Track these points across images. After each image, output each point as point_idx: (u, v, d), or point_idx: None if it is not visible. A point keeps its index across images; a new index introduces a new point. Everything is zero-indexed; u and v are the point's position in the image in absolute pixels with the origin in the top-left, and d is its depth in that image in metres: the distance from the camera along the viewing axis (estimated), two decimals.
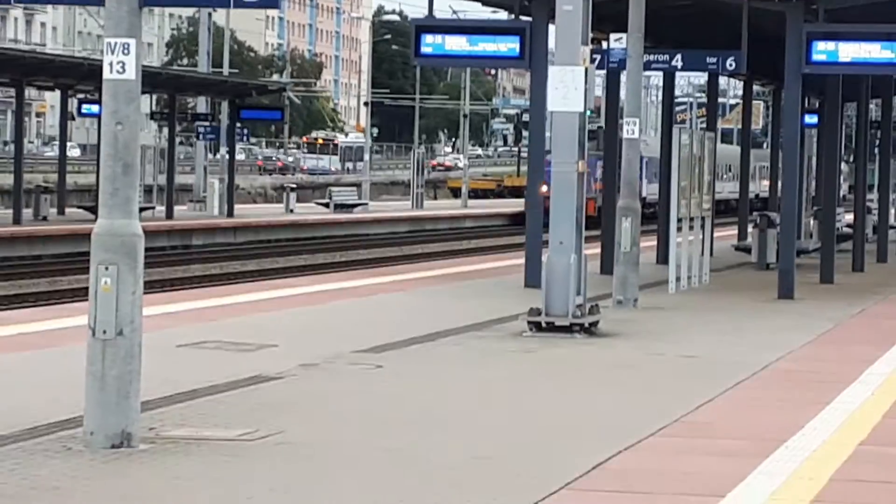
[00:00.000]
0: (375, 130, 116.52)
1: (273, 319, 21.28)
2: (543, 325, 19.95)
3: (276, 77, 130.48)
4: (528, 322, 20.11)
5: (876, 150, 47.68)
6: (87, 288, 11.30)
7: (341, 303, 24.47)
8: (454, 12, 74.64)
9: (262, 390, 14.38)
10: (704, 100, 53.59)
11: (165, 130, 59.87)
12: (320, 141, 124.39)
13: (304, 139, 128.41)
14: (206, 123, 63.22)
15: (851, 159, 54.56)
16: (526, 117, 58.21)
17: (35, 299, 30.69)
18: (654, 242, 34.40)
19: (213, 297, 25.48)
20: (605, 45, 30.38)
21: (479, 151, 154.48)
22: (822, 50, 26.68)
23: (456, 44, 27.55)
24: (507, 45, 27.39)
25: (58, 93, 53.92)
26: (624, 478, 10.75)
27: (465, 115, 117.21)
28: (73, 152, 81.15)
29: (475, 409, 13.85)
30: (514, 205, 73.84)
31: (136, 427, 11.18)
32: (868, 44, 26.63)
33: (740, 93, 55.90)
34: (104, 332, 11.01)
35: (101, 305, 11.04)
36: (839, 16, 27.75)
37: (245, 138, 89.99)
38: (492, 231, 64.36)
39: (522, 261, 28.43)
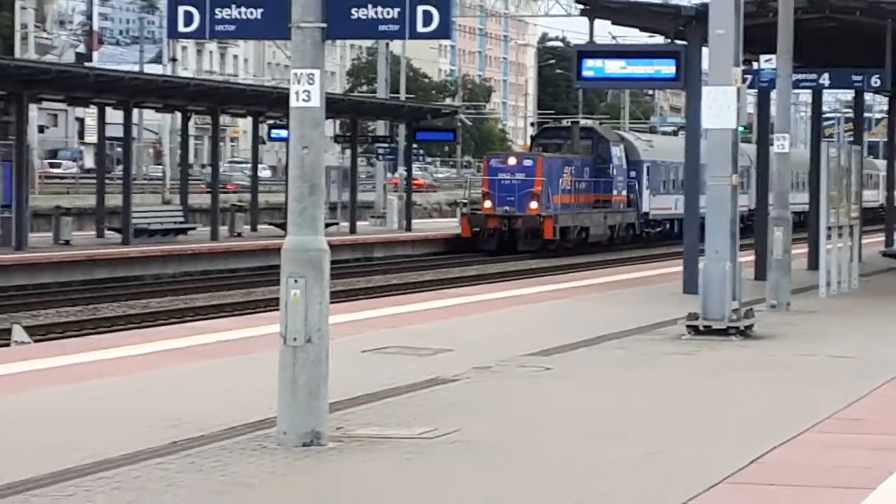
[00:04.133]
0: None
1: (449, 326, 21.37)
2: (701, 328, 19.84)
3: (448, 101, 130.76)
4: (687, 326, 20.02)
5: None
6: (278, 299, 11.43)
7: (511, 309, 24.49)
8: (613, 38, 73.43)
9: (440, 392, 14.44)
10: (851, 115, 52.85)
11: (348, 152, 60.18)
12: None
13: None
14: (385, 145, 63.61)
15: None
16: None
17: (231, 309, 31.02)
18: (805, 249, 34.00)
19: (393, 305, 25.61)
20: (755, 65, 30.17)
21: None
22: None
23: (615, 67, 27.47)
24: (664, 68, 27.25)
25: (250, 119, 54.51)
26: (779, 471, 10.66)
27: None
28: (265, 173, 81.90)
29: (640, 408, 13.80)
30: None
31: (324, 427, 11.28)
32: None
33: (885, 107, 55.11)
34: (294, 339, 11.13)
35: (291, 315, 11.15)
36: None
37: (421, 158, 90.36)
38: (649, 241, 62.08)
39: (679, 269, 28.30)
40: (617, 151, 56.93)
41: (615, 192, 56.56)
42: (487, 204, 52.57)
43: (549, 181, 51.38)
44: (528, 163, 52.38)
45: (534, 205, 51.11)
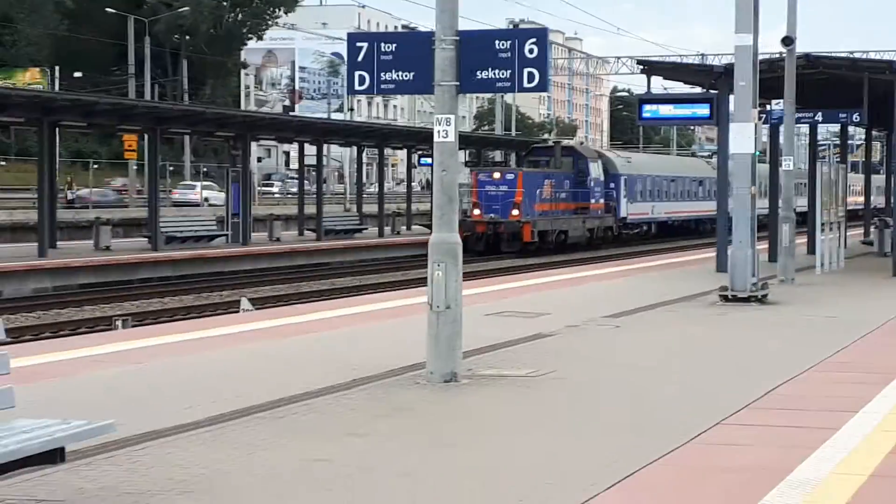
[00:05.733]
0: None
1: (547, 297, 21.33)
2: (729, 297, 19.72)
3: (545, 135, 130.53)
4: (720, 295, 19.90)
5: None
6: (425, 277, 11.49)
7: (592, 285, 24.41)
8: (665, 89, 71.75)
9: (542, 343, 14.43)
10: (838, 142, 51.90)
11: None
12: None
13: None
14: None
15: None
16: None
17: (393, 286, 31.16)
18: (805, 239, 33.50)
19: (508, 282, 25.64)
20: (768, 107, 29.79)
21: None
22: None
23: (666, 110, 27.29)
24: (701, 110, 27.08)
25: (405, 151, 54.68)
26: (787, 400, 10.55)
27: None
28: (416, 188, 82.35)
29: (685, 354, 13.71)
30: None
31: (459, 368, 11.33)
32: None
33: (863, 136, 54.06)
34: (438, 306, 11.18)
35: (435, 289, 11.20)
36: None
37: None
38: (628, 241, 54.25)
39: (708, 255, 28.09)
40: (595, 166, 49.99)
41: (593, 201, 49.18)
42: (476, 212, 44.63)
43: (529, 192, 43.97)
44: (510, 176, 44.59)
45: (515, 212, 43.61)
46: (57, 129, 38.07)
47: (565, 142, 58.71)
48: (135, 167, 62.43)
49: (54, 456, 6.52)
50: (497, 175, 44.68)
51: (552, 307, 18.76)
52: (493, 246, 43.93)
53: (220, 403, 10.01)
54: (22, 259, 31.23)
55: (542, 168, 47.82)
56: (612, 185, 50.97)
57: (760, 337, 15.37)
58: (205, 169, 74.73)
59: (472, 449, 8.40)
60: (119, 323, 21.21)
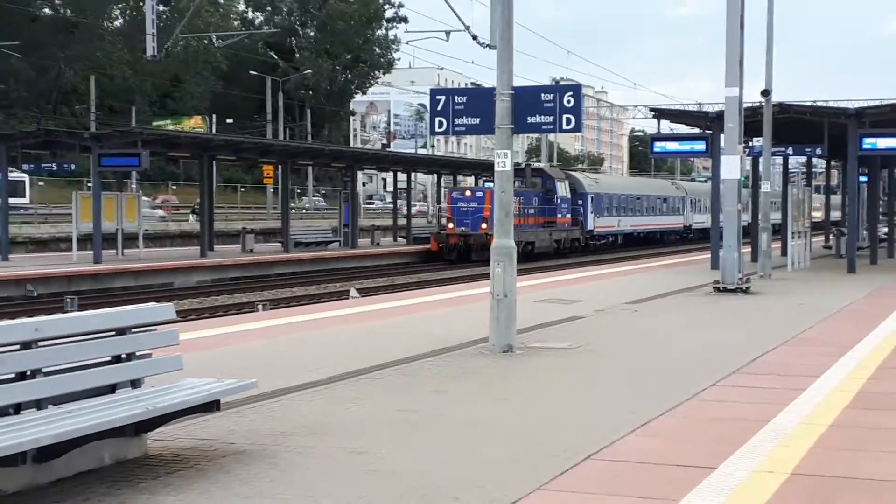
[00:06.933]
0: None
1: (579, 288, 21.18)
2: (721, 288, 19.48)
3: (579, 166, 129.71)
4: (713, 287, 19.67)
5: None
6: (489, 273, 11.46)
7: (615, 279, 24.21)
8: (671, 129, 70.63)
9: (576, 323, 14.34)
10: (804, 170, 50.92)
11: None
12: None
13: None
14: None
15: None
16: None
17: (464, 280, 31.13)
18: (779, 244, 32.97)
19: (550, 277, 25.49)
20: (751, 143, 29.39)
21: None
22: (868, 143, 25.27)
23: (672, 145, 26.99)
24: (699, 145, 26.80)
25: (473, 177, 54.58)
26: (768, 366, 10.39)
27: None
28: None
29: (687, 331, 13.54)
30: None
31: (514, 342, 11.29)
32: (892, 139, 25.13)
33: (824, 165, 52.99)
34: (498, 295, 11.16)
35: (496, 282, 11.18)
36: (878, 124, 26.21)
37: None
38: (596, 251, 56.44)
39: (701, 257, 27.72)
40: (562, 185, 44.19)
41: (559, 216, 43.55)
42: (450, 225, 39.21)
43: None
44: (479, 194, 39.18)
45: (484, 225, 38.03)
46: (213, 162, 38.53)
47: (535, 164, 53.59)
48: (271, 190, 63.20)
49: (212, 406, 6.61)
50: (468, 193, 39.56)
51: (582, 296, 18.65)
52: (464, 255, 38.66)
53: (335, 367, 10.07)
54: (188, 259, 31.67)
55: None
56: (580, 202, 46.00)
57: (745, 319, 15.16)
58: (323, 192, 75.25)
59: (523, 402, 8.38)
60: (260, 307, 21.43)
